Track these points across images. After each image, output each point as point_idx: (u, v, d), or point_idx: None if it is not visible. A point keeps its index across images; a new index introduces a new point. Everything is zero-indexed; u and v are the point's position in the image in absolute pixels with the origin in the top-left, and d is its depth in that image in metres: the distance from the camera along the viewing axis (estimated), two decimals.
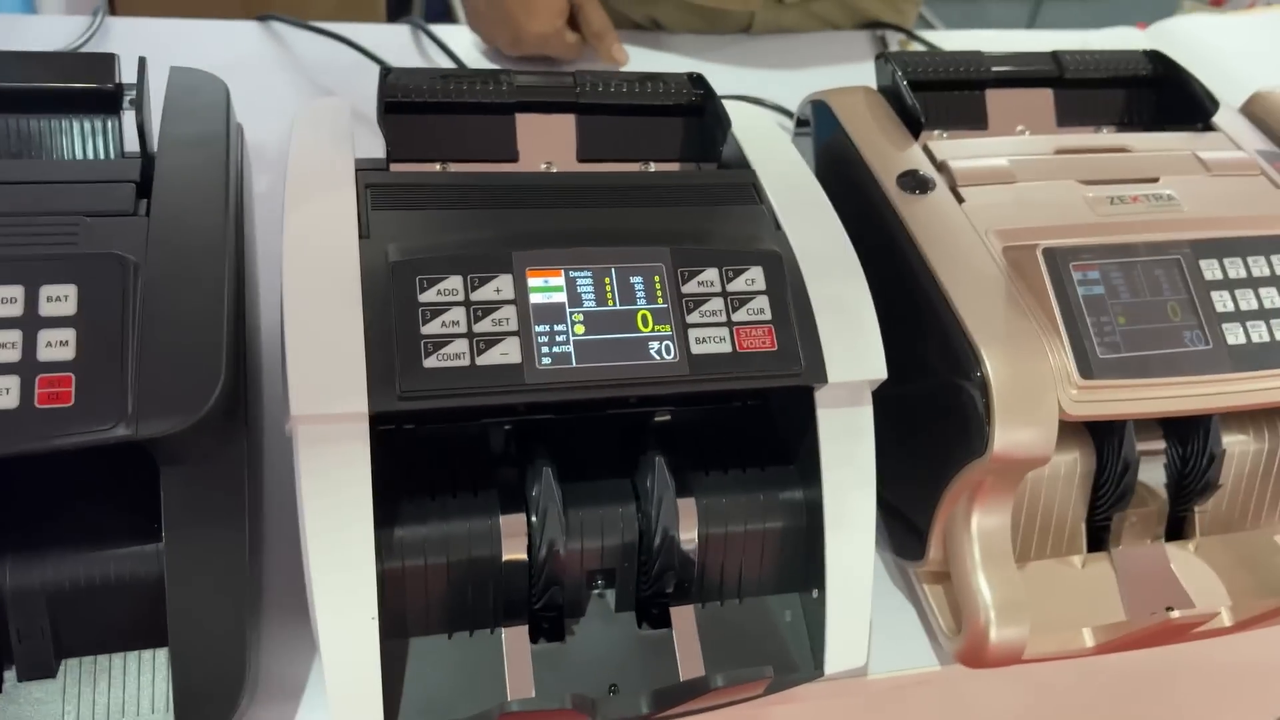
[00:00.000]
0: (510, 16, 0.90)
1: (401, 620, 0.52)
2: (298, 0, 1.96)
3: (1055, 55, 0.71)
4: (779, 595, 0.57)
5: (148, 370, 0.44)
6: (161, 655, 0.49)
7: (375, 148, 0.60)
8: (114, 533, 0.48)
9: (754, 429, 0.59)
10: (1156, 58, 0.73)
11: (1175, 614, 0.53)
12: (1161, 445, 0.62)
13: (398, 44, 1.00)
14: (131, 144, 0.55)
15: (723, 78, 1.02)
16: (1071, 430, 0.60)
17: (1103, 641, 0.57)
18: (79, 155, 0.55)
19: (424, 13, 1.94)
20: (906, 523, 0.60)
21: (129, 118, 0.55)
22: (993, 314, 0.54)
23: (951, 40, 1.15)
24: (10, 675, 0.48)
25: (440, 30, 1.01)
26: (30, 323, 0.43)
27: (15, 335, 0.43)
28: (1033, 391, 0.52)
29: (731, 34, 1.09)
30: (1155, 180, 0.62)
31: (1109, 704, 0.70)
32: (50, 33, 0.93)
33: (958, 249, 0.57)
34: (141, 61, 0.55)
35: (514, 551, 0.52)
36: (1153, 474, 0.62)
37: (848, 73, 1.07)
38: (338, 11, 2.02)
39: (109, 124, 0.55)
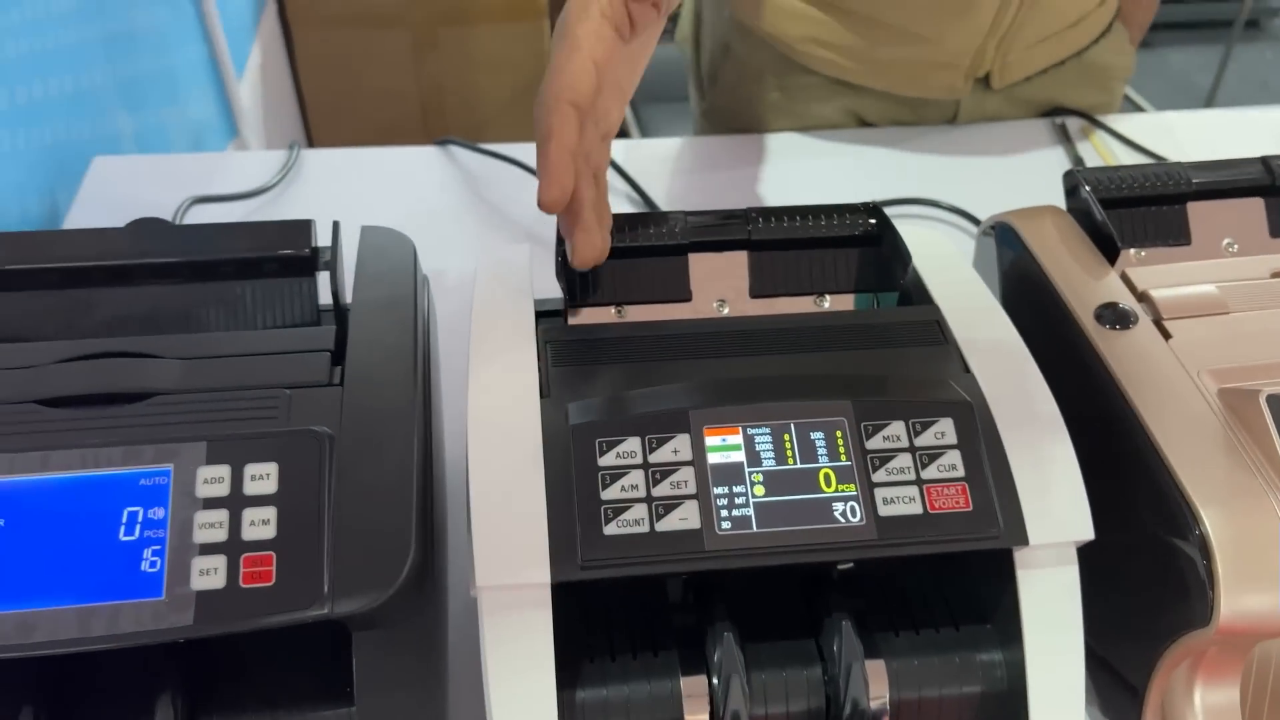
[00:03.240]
0: None
1: None
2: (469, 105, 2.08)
3: (1265, 161, 0.66)
4: None
5: (341, 548, 0.45)
6: None
7: (553, 280, 0.61)
8: (309, 696, 0.49)
9: (947, 582, 0.56)
10: None
11: None
12: None
13: None
14: (326, 296, 0.58)
15: (900, 171, 1.00)
16: None
17: None
18: (279, 314, 0.58)
19: None
20: (1118, 684, 0.55)
21: (324, 276, 0.58)
22: (1210, 466, 0.49)
23: (1138, 125, 1.09)
24: None
25: None
26: (236, 501, 0.45)
27: (223, 515, 0.45)
28: (1262, 555, 0.47)
29: (935, 124, 1.06)
30: None
31: None
32: (255, 168, 1.00)
33: (1167, 392, 0.53)
34: (335, 226, 0.58)
35: (696, 713, 0.51)
36: None
37: (1031, 164, 1.03)
38: (507, 107, 2.12)
39: (305, 285, 0.58)
